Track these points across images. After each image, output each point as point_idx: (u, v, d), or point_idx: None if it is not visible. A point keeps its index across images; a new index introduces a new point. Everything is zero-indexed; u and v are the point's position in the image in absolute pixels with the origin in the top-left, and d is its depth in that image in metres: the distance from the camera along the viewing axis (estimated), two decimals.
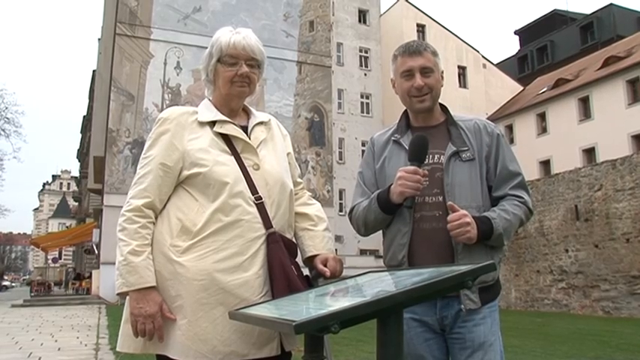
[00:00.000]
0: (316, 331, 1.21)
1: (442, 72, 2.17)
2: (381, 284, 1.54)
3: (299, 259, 1.96)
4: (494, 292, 2.07)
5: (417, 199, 2.00)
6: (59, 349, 8.08)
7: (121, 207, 1.88)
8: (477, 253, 1.97)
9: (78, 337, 9.67)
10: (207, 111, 1.98)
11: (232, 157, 1.89)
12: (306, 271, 1.97)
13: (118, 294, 1.83)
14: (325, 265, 1.93)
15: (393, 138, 2.18)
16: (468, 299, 1.98)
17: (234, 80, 1.96)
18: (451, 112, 2.21)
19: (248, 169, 1.89)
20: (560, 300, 19.03)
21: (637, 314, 16.17)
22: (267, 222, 1.86)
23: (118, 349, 1.87)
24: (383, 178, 2.14)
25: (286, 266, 1.83)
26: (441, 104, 2.20)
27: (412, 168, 1.95)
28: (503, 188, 2.10)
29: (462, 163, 2.05)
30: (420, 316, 2.03)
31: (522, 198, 2.08)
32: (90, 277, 28.69)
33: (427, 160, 2.04)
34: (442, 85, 2.16)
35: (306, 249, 2.02)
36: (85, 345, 8.58)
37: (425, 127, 2.15)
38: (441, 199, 2.02)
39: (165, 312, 1.76)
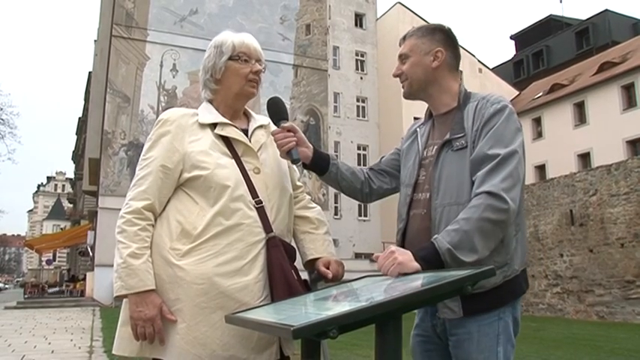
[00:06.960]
0: (315, 336, 1.20)
1: (436, 50, 1.90)
2: (379, 289, 1.52)
3: (298, 263, 1.94)
4: (488, 303, 1.73)
5: (413, 195, 1.92)
6: (53, 351, 8.02)
7: (117, 209, 1.86)
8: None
9: (72, 340, 9.61)
10: (208, 113, 1.95)
11: (233, 161, 1.88)
12: (304, 275, 1.95)
13: (116, 297, 1.81)
14: (327, 268, 1.92)
15: (415, 127, 2.09)
16: (445, 307, 1.76)
17: (249, 78, 1.95)
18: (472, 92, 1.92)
19: (249, 172, 1.88)
20: (555, 305, 19.06)
21: (631, 319, 16.22)
22: (267, 226, 1.84)
23: (114, 352, 1.85)
24: (403, 164, 2.08)
25: (286, 270, 1.82)
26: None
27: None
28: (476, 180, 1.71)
29: (452, 153, 1.80)
30: (418, 322, 1.94)
31: (480, 188, 1.66)
32: (84, 279, 28.57)
33: (424, 153, 1.92)
34: (434, 67, 1.90)
35: (307, 252, 2.00)
36: (79, 347, 8.53)
37: (438, 115, 1.96)
38: (428, 195, 1.85)
39: (165, 314, 1.74)
